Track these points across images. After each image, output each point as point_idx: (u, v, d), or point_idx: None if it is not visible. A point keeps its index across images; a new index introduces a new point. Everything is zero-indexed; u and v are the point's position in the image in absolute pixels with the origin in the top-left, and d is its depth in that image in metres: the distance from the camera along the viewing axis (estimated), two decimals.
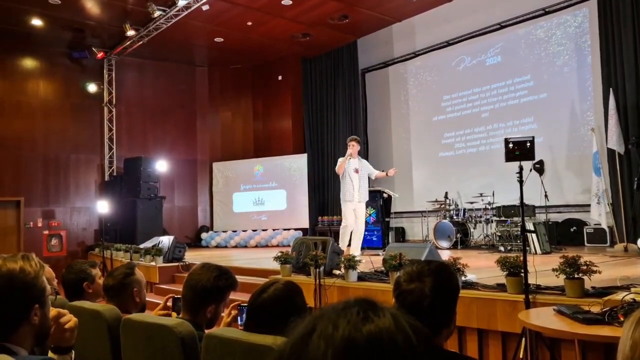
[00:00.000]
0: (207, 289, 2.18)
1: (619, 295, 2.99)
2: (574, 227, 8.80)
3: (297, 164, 12.82)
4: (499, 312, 3.73)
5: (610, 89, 8.04)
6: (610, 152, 8.06)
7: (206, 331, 2.08)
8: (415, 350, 0.63)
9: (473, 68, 10.72)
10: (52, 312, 1.59)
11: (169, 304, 2.63)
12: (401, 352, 0.63)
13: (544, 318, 2.86)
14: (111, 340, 2.28)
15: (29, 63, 12.04)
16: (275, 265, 5.81)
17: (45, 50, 12.05)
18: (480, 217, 9.25)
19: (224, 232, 13.31)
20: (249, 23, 11.27)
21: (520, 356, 3.34)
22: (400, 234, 11.42)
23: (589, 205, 8.25)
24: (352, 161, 7.55)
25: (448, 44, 10.99)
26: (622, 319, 2.49)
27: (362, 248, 8.71)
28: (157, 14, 10.02)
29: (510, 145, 3.78)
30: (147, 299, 2.71)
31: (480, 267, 5.59)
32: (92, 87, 12.53)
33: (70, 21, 10.90)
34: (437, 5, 10.83)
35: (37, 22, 10.80)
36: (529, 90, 9.85)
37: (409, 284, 1.61)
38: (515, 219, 8.08)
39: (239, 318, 2.35)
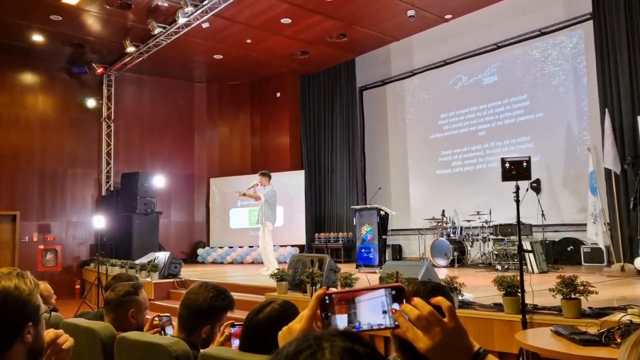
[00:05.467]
0: (203, 309, 2.16)
1: (616, 316, 2.98)
2: (571, 247, 8.80)
3: (295, 181, 12.82)
4: (495, 332, 3.71)
5: (606, 109, 8.10)
6: (607, 172, 8.10)
7: (201, 350, 2.06)
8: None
9: (470, 87, 10.81)
10: (51, 333, 1.58)
11: (156, 322, 2.60)
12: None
13: (541, 339, 2.85)
14: (105, 359, 2.26)
15: (28, 77, 12.09)
16: (272, 282, 5.78)
17: (45, 65, 12.12)
18: (477, 235, 9.25)
19: (220, 248, 13.25)
20: (248, 40, 11.38)
21: None
22: (397, 252, 11.40)
23: (585, 225, 8.25)
24: (262, 190, 8.76)
25: (445, 63, 11.10)
26: (619, 340, 2.48)
27: (359, 265, 8.74)
28: (157, 30, 10.10)
29: (507, 165, 3.79)
30: None
31: (477, 286, 5.57)
32: (91, 102, 12.57)
33: (70, 37, 10.98)
34: (435, 25, 10.96)
35: (37, 37, 10.87)
36: (526, 110, 9.93)
37: None
38: (513, 237, 8.08)
39: (232, 337, 2.33)
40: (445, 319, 0.91)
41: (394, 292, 0.91)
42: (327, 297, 0.92)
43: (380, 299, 0.91)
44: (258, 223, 8.73)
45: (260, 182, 8.72)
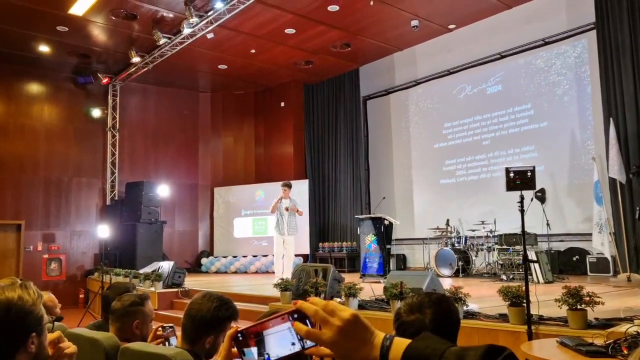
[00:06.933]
0: (207, 319, 2.15)
1: (623, 327, 2.96)
2: (577, 256, 8.75)
3: (298, 190, 12.79)
4: (501, 342, 3.67)
5: (610, 119, 8.09)
6: (612, 181, 8.07)
7: None
8: None
9: (474, 96, 10.82)
10: (53, 335, 1.58)
11: (159, 332, 2.59)
12: None
13: (547, 350, 2.82)
14: None
15: (34, 87, 12.18)
16: (276, 292, 5.77)
17: (51, 75, 12.21)
18: (482, 244, 9.20)
19: (224, 257, 13.23)
20: (253, 50, 11.44)
21: None
22: (402, 261, 11.35)
23: (591, 234, 8.21)
24: (284, 201, 8.91)
25: (449, 72, 11.12)
26: (626, 351, 2.46)
27: (363, 275, 8.71)
28: (162, 41, 10.18)
29: (511, 174, 3.78)
30: None
31: (482, 296, 5.54)
32: (96, 112, 12.65)
33: (76, 47, 11.07)
34: (438, 35, 11.00)
35: (44, 48, 10.97)
36: (530, 119, 9.92)
37: (409, 315, 1.60)
38: (517, 247, 8.04)
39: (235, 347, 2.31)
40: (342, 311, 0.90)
41: (295, 317, 0.90)
42: (239, 335, 0.94)
43: (285, 328, 0.91)
44: (288, 234, 8.91)
45: (285, 193, 8.94)
